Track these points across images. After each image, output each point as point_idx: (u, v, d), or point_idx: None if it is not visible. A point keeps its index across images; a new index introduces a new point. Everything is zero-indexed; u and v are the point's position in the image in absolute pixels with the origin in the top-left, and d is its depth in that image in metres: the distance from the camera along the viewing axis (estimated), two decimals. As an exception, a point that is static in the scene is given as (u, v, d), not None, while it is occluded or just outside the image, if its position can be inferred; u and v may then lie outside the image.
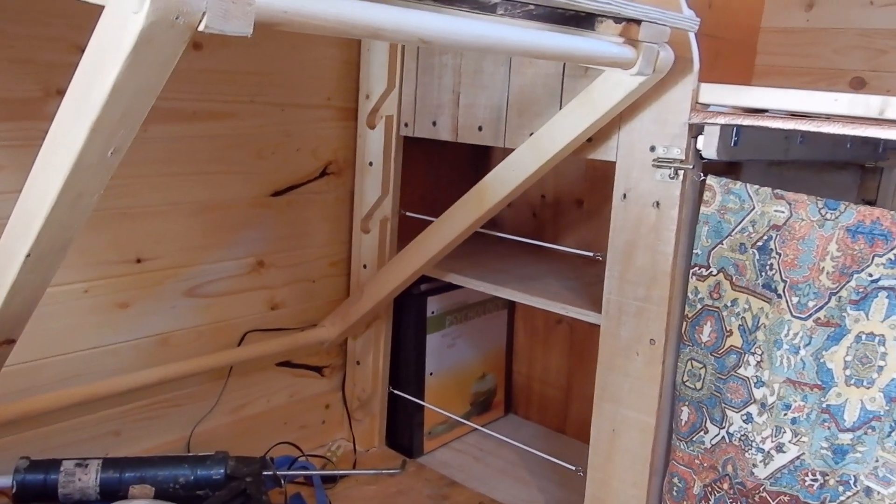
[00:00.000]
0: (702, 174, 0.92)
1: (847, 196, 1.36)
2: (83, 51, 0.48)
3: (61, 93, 0.50)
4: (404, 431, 1.40)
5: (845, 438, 0.85)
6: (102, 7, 0.46)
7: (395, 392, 1.39)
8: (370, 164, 1.28)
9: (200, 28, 0.44)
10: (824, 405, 0.86)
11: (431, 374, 1.40)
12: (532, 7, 0.79)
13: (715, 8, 1.46)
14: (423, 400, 1.38)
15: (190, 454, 1.05)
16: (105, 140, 0.50)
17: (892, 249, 0.79)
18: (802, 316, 0.86)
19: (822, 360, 0.86)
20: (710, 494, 0.97)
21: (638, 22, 0.76)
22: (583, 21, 0.79)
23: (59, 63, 0.91)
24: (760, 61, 1.62)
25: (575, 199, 1.46)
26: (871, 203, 1.38)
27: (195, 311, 1.16)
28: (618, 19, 0.76)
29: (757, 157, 0.98)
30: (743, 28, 1.56)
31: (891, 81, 1.47)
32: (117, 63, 0.45)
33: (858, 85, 1.52)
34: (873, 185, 1.39)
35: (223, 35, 0.45)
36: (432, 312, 1.38)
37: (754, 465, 0.92)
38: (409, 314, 1.36)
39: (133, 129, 0.51)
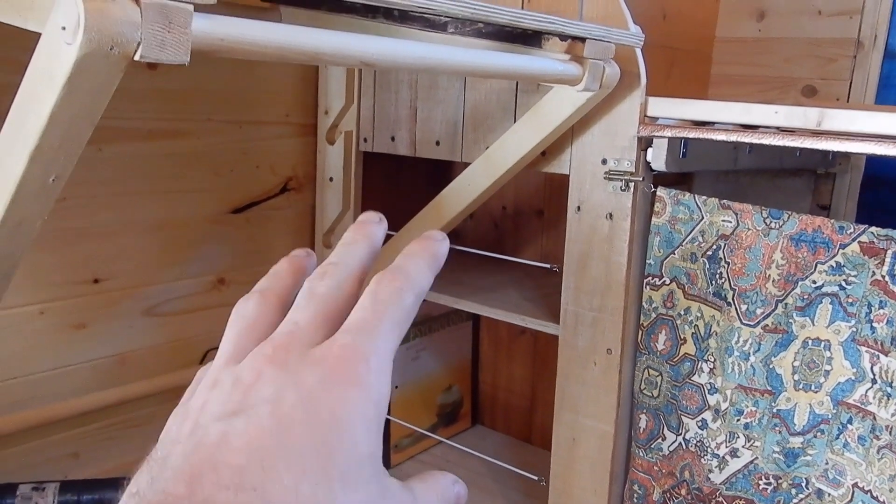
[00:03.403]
0: (652, 186, 0.94)
1: (802, 201, 1.39)
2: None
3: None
4: (370, 445, 1.40)
5: (796, 442, 0.87)
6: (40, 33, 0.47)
7: (361, 406, 1.38)
8: (330, 179, 1.28)
9: (136, 57, 0.44)
10: (775, 410, 0.88)
11: (396, 387, 1.41)
12: (481, 25, 0.80)
13: (669, 19, 1.49)
14: (388, 413, 1.38)
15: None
16: (45, 167, 0.50)
17: (833, 257, 0.82)
18: (751, 323, 0.88)
19: (771, 366, 0.88)
20: (669, 500, 0.99)
21: (582, 39, 0.78)
22: (530, 39, 0.81)
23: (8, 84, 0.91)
24: (715, 70, 1.65)
25: (535, 209, 1.47)
26: (826, 208, 1.41)
27: (154, 331, 1.15)
28: (563, 37, 0.78)
29: (706, 168, 1.00)
30: (697, 38, 1.59)
31: (840, 89, 1.51)
32: (53, 92, 0.45)
33: (810, 93, 1.56)
34: (827, 189, 1.42)
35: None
36: (396, 325, 1.38)
37: (710, 471, 0.94)
38: (372, 328, 1.36)
39: (74, 155, 0.51)
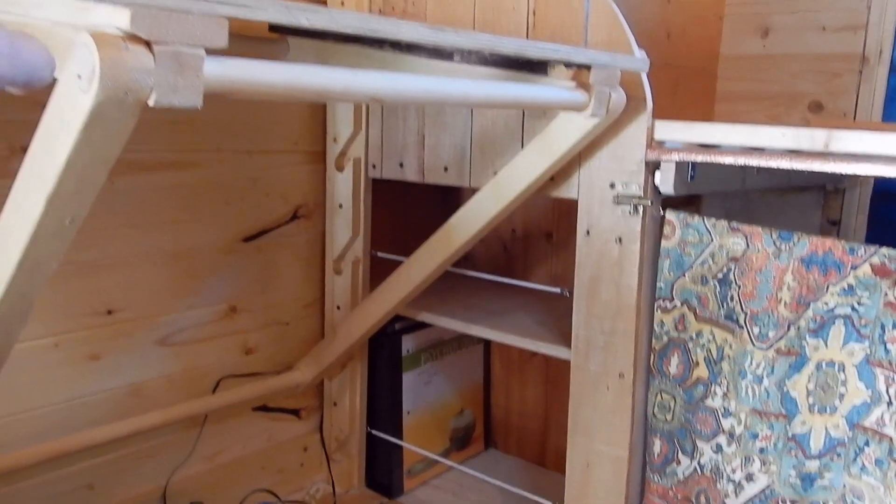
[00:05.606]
0: (661, 209, 0.94)
1: (812, 217, 1.38)
2: (44, 106, 0.49)
3: (25, 150, 0.51)
4: (383, 471, 1.39)
5: (812, 466, 0.87)
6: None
7: (373, 432, 1.39)
8: (340, 206, 1.29)
9: (150, 103, 0.45)
10: (790, 434, 0.87)
11: (409, 412, 1.40)
12: (487, 54, 0.81)
13: (673, 38, 1.49)
14: (401, 439, 1.38)
15: (165, 506, 1.05)
16: (61, 210, 0.51)
17: (845, 279, 0.81)
18: (764, 346, 0.88)
19: (785, 389, 0.87)
20: (686, 524, 0.98)
21: (588, 67, 0.78)
22: (536, 66, 0.82)
23: (21, 120, 0.92)
24: (721, 87, 1.66)
25: (544, 232, 1.47)
26: (836, 223, 1.40)
27: (167, 360, 1.15)
28: (568, 64, 0.79)
29: (714, 190, 1.00)
30: (702, 56, 1.59)
31: (846, 103, 1.51)
32: (70, 138, 0.46)
33: (816, 108, 1.56)
34: (837, 205, 1.42)
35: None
36: (407, 351, 1.38)
37: (726, 496, 0.93)
38: (383, 353, 1.36)
39: (90, 198, 0.52)
